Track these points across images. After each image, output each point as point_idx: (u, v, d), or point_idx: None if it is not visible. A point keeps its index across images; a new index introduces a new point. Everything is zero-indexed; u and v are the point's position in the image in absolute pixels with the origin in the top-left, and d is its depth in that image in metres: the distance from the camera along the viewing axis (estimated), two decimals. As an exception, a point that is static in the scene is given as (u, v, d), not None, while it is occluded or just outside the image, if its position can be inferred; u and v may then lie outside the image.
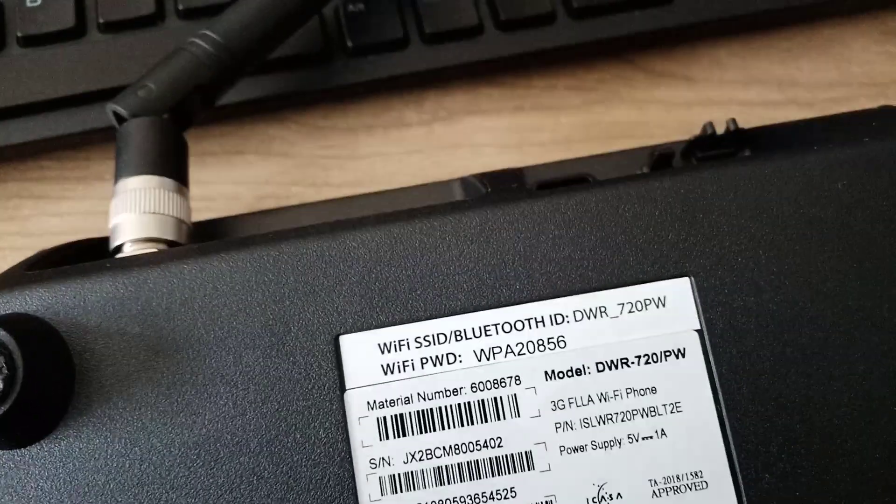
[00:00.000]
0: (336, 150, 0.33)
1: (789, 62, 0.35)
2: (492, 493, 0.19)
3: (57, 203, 0.32)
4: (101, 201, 0.32)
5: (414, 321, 0.20)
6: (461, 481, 0.19)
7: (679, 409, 0.19)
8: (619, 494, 0.19)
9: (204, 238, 0.26)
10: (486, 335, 0.20)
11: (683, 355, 0.20)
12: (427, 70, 0.32)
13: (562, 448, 0.19)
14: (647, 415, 0.19)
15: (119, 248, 0.23)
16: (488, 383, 0.20)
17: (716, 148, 0.26)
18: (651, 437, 0.19)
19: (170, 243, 0.23)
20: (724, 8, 0.33)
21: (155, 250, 0.23)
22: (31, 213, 0.32)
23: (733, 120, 0.26)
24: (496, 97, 0.34)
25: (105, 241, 0.25)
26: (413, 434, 0.19)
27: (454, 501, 0.19)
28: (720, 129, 0.26)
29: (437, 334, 0.20)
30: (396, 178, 0.33)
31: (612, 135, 0.34)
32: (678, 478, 0.19)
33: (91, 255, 0.25)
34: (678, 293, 0.20)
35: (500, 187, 0.23)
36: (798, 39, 0.36)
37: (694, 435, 0.19)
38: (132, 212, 0.23)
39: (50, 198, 0.32)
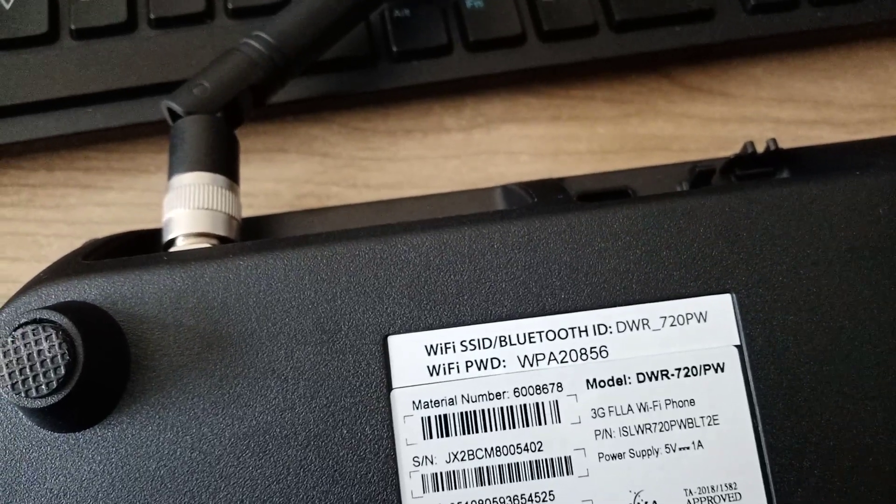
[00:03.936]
0: (376, 153, 0.34)
1: (825, 82, 0.35)
2: (531, 496, 0.20)
3: (102, 193, 0.33)
4: (145, 193, 0.33)
5: (461, 325, 0.20)
6: (501, 482, 0.20)
7: (716, 422, 0.20)
8: (654, 502, 0.20)
9: (249, 234, 0.27)
10: (531, 342, 0.20)
11: (722, 370, 0.20)
12: (468, 77, 0.33)
13: (600, 455, 0.20)
14: (685, 426, 0.20)
15: (172, 242, 0.24)
16: (531, 389, 0.20)
17: (755, 167, 0.26)
18: (688, 448, 0.20)
19: (221, 238, 0.24)
20: (762, 26, 0.34)
21: (208, 245, 0.23)
22: (77, 203, 0.32)
23: (773, 140, 0.26)
24: (534, 106, 0.35)
25: (156, 232, 0.25)
26: (456, 434, 0.20)
27: (494, 502, 0.19)
28: (760, 148, 0.26)
29: (483, 339, 0.20)
30: (434, 181, 0.33)
31: (646, 147, 0.34)
32: (713, 488, 0.20)
33: (142, 246, 0.26)
34: (719, 309, 0.20)
35: (546, 197, 0.23)
36: (835, 60, 0.36)
37: (730, 447, 0.20)
38: (186, 207, 0.24)
39: (96, 188, 0.33)
